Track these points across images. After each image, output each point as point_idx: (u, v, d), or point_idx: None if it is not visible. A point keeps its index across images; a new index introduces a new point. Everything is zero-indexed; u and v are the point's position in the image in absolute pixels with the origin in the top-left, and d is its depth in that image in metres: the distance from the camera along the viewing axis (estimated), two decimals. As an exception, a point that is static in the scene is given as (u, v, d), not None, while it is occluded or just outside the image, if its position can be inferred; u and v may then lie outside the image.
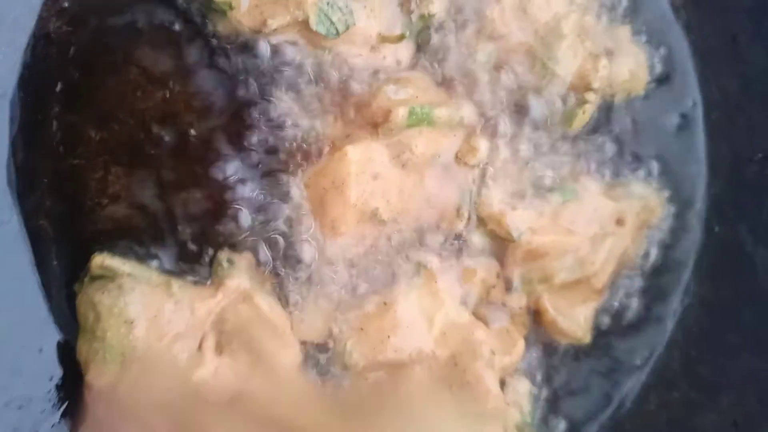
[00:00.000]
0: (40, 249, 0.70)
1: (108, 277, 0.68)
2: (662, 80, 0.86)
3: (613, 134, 0.84)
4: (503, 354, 0.77)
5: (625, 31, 0.84)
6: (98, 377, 0.66)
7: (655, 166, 0.86)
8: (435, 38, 0.78)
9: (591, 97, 0.79)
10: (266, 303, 0.71)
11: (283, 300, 0.74)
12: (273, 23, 0.70)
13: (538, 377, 0.83)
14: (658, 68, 0.86)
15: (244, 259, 0.73)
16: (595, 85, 0.78)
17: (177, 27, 0.72)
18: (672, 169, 0.87)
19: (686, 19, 0.88)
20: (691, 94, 0.88)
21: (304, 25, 0.72)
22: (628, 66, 0.83)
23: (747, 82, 0.87)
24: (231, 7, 0.70)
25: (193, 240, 0.72)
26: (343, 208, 0.73)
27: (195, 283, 0.71)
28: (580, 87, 0.79)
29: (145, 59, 0.72)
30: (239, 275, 0.72)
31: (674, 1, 0.88)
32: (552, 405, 0.83)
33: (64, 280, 0.70)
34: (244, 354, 0.70)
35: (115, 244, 0.71)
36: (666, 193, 0.86)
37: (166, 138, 0.73)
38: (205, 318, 0.69)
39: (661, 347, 0.87)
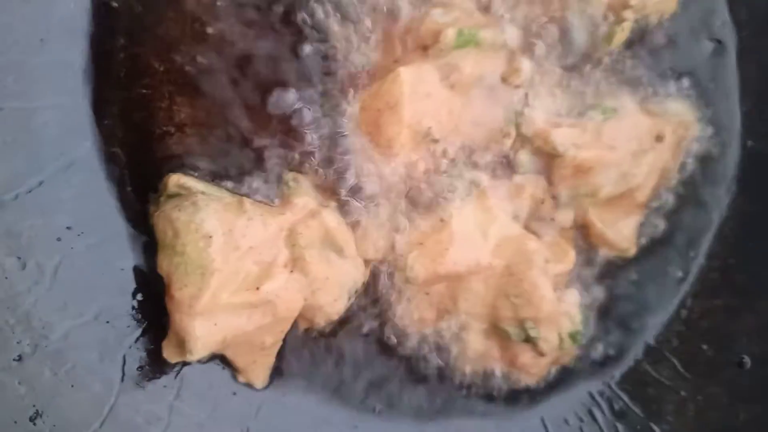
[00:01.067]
0: (115, 174, 0.73)
1: (183, 195, 0.72)
2: (693, 2, 0.89)
3: (649, 53, 0.87)
4: (556, 263, 0.81)
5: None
6: (180, 289, 0.69)
7: (689, 83, 0.89)
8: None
9: (629, 14, 0.82)
10: (334, 219, 0.75)
11: (347, 219, 0.77)
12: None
13: (587, 289, 0.87)
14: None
15: (308, 179, 0.77)
16: (632, 2, 0.81)
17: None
18: (706, 86, 0.90)
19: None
20: (721, 15, 0.91)
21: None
22: (661, -14, 0.86)
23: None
24: None
25: (259, 162, 0.75)
26: (398, 127, 0.76)
27: (266, 202, 0.75)
28: (618, 6, 0.82)
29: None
30: (306, 194, 0.75)
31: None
32: (602, 315, 0.87)
33: (138, 203, 0.74)
34: (314, 270, 0.73)
35: (185, 167, 0.74)
36: (701, 110, 0.89)
37: (226, 67, 0.76)
38: (277, 233, 0.73)
39: (702, 257, 0.91)
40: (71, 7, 0.72)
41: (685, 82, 0.89)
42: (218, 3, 0.76)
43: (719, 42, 0.91)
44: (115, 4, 0.73)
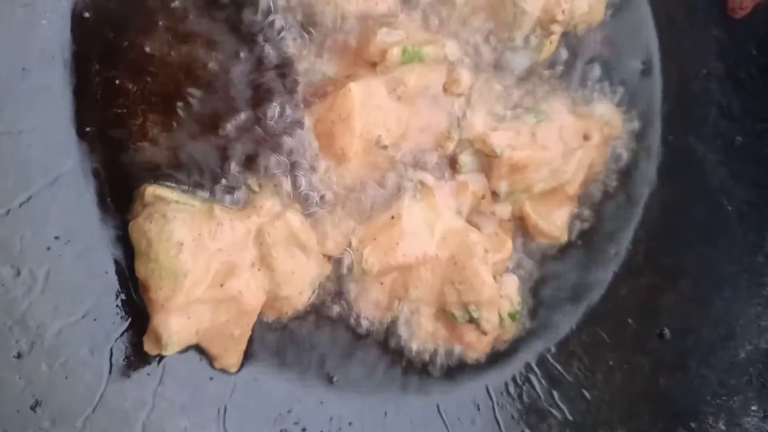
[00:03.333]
0: (96, 188, 0.81)
1: (155, 206, 0.80)
2: (617, 11, 0.99)
3: (577, 61, 0.97)
4: (495, 252, 0.91)
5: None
6: (156, 291, 0.78)
7: (615, 86, 0.99)
8: (419, -15, 0.89)
9: (556, 28, 0.91)
10: (297, 220, 0.84)
11: (309, 219, 0.86)
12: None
13: (524, 274, 0.97)
14: (613, 0, 0.98)
15: (271, 184, 0.85)
16: (559, 18, 0.90)
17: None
18: (631, 88, 1.00)
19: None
20: (644, 21, 1.01)
21: (307, -22, 0.83)
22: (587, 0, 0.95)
23: (690, 8, 0.99)
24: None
25: (227, 170, 0.84)
26: (350, 137, 0.85)
27: (233, 207, 0.83)
28: (547, 20, 0.91)
29: (169, 19, 0.83)
30: (271, 198, 0.84)
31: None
32: (537, 296, 0.98)
33: (118, 213, 0.82)
34: (280, 266, 0.82)
35: (159, 178, 0.82)
36: (626, 110, 0.99)
37: (192, 85, 0.84)
38: (246, 235, 0.81)
39: (628, 242, 1.02)
40: (49, 36, 0.79)
41: (612, 85, 0.99)
42: (183, 27, 0.83)
43: (643, 46, 1.01)
44: (86, 15, 0.80)
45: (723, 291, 0.95)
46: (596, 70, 0.98)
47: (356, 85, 0.84)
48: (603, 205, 0.99)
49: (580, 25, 0.96)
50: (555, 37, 0.92)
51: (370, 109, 0.85)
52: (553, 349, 0.98)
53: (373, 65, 0.86)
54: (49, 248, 0.77)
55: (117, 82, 0.82)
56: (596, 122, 0.97)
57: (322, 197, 0.87)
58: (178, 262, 0.77)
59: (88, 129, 0.81)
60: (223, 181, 0.84)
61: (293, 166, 0.86)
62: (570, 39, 0.96)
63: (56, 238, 0.78)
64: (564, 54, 0.96)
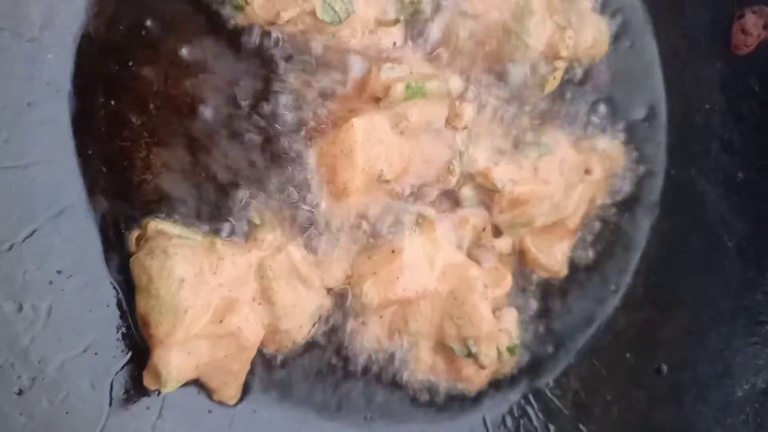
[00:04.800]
0: (99, 221, 0.81)
1: (156, 241, 0.80)
2: (622, 44, 0.99)
3: (581, 95, 0.97)
4: (494, 287, 0.91)
5: (586, 3, 0.96)
6: (156, 327, 0.79)
7: (618, 120, 0.99)
8: (423, 20, 0.89)
9: (560, 64, 0.91)
10: (298, 253, 0.84)
11: (310, 253, 0.86)
12: (285, 15, 0.81)
13: (525, 306, 0.98)
14: (618, 34, 0.98)
15: (273, 218, 0.86)
16: (563, 53, 0.90)
17: (201, 22, 0.83)
18: (634, 122, 1.00)
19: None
20: (648, 55, 1.01)
21: (311, 14, 0.83)
22: (591, 34, 0.95)
23: (694, 41, 1.00)
24: (247, 3, 0.81)
25: (229, 204, 0.84)
26: (352, 171, 0.85)
27: (235, 240, 0.84)
28: (550, 56, 0.91)
29: (174, 51, 0.83)
30: (273, 231, 0.85)
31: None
32: (537, 329, 0.98)
33: (121, 246, 0.82)
34: (281, 299, 0.83)
35: (162, 211, 0.83)
36: (629, 142, 1.00)
37: (197, 120, 0.84)
38: (247, 269, 0.82)
39: (628, 276, 1.02)
40: (55, 70, 0.79)
41: (614, 119, 0.99)
42: (187, 60, 0.84)
43: (647, 81, 1.01)
44: (91, 48, 0.80)
45: (720, 327, 0.96)
46: (599, 104, 0.98)
47: (359, 120, 0.85)
48: (603, 238, 1.00)
49: (584, 59, 0.96)
50: (559, 73, 0.92)
51: (373, 143, 0.85)
52: (550, 383, 0.99)
53: (377, 100, 0.86)
54: (51, 282, 0.78)
55: (121, 115, 0.82)
56: (598, 156, 0.97)
57: (323, 231, 0.88)
58: (179, 298, 0.78)
59: (92, 162, 0.81)
60: (225, 214, 0.85)
61: (296, 200, 0.87)
62: (574, 72, 0.96)
63: (59, 272, 0.78)
64: (567, 88, 0.96)
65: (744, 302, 0.96)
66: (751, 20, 0.94)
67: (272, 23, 0.83)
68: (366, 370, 0.91)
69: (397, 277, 0.88)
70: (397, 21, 0.87)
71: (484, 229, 0.94)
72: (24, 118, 0.77)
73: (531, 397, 0.98)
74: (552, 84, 0.93)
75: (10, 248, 0.75)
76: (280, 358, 0.88)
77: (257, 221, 0.85)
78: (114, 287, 0.81)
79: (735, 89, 0.98)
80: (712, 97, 0.99)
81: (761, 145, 0.98)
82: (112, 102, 0.82)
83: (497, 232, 0.95)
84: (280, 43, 0.85)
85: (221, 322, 0.80)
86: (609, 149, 0.98)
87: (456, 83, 0.90)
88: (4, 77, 0.76)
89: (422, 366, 0.93)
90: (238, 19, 0.83)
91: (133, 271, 0.80)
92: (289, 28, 0.84)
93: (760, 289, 0.95)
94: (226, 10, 0.83)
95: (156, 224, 0.81)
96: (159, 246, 0.79)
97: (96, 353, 0.79)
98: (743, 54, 0.95)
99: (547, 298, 0.98)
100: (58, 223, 0.79)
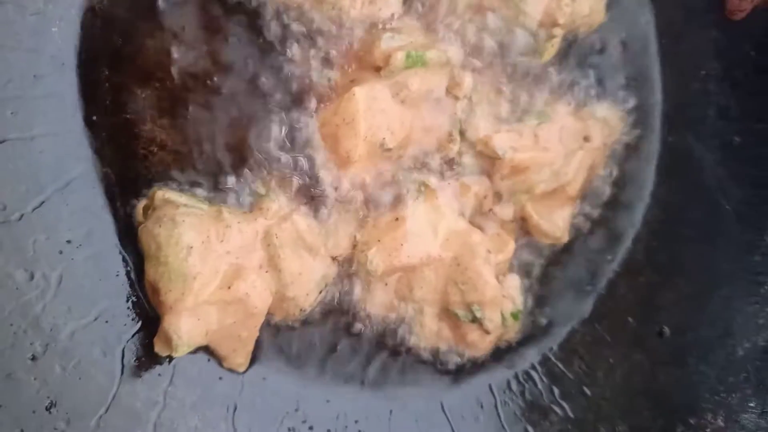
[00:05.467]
0: (107, 191, 0.82)
1: (164, 210, 0.82)
2: (617, 13, 1.00)
3: (579, 62, 0.98)
4: (497, 253, 0.92)
5: (584, -28, 0.97)
6: (166, 294, 0.80)
7: (616, 88, 1.01)
8: (422, -12, 0.91)
9: (557, 31, 0.92)
10: (304, 222, 0.85)
11: (315, 221, 0.88)
12: (289, -12, 0.83)
13: (527, 273, 0.99)
14: (613, 2, 1.00)
15: (278, 187, 0.87)
16: (561, 21, 0.91)
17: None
18: (632, 90, 1.01)
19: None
20: (643, 24, 1.02)
21: (314, -13, 0.84)
22: (588, 3, 0.96)
23: (689, 10, 1.01)
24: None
25: (235, 173, 0.85)
26: (354, 140, 0.86)
27: (241, 209, 0.85)
28: (548, 23, 0.92)
29: (176, 24, 0.84)
30: (278, 200, 0.86)
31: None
32: (539, 296, 1.00)
33: (128, 216, 0.84)
34: (287, 267, 0.84)
35: (169, 181, 0.84)
36: (627, 112, 1.01)
37: (200, 91, 0.85)
38: (253, 237, 0.83)
39: (628, 241, 1.03)
40: (59, 43, 0.80)
41: (612, 87, 1.00)
42: (189, 33, 0.85)
43: (644, 50, 1.02)
44: (96, 22, 0.81)
45: (721, 289, 0.97)
46: (597, 72, 0.99)
47: (361, 89, 0.86)
48: (603, 205, 1.01)
49: (582, 28, 0.97)
50: (556, 40, 0.93)
51: (375, 112, 0.87)
52: (554, 348, 1.00)
53: (377, 70, 0.88)
54: (61, 252, 0.79)
55: (126, 87, 0.83)
56: (597, 124, 0.98)
57: (328, 199, 0.89)
58: (187, 265, 0.79)
59: (98, 134, 0.82)
60: (231, 183, 0.86)
61: (300, 169, 0.88)
62: (571, 41, 0.97)
63: (68, 242, 0.79)
64: (565, 56, 0.97)
65: (743, 264, 0.97)
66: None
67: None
68: (372, 336, 0.93)
69: (402, 245, 0.90)
70: (396, -6, 0.89)
71: (485, 197, 0.95)
72: (30, 91, 0.78)
73: (536, 362, 0.99)
74: (550, 51, 0.94)
75: (20, 218, 0.76)
76: (287, 325, 0.89)
77: (262, 191, 0.87)
78: (123, 256, 0.82)
79: (730, 56, 0.99)
80: (708, 64, 1.01)
81: (757, 110, 0.99)
82: (117, 75, 0.83)
83: (499, 199, 0.96)
84: (282, 15, 0.86)
85: (229, 288, 0.81)
86: (607, 117, 0.99)
87: (455, 52, 0.91)
88: (8, 50, 0.77)
89: (428, 332, 0.94)
90: (242, -8, 0.84)
91: (142, 240, 0.81)
92: (291, 0, 0.85)
93: (759, 251, 0.96)
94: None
95: (163, 193, 0.82)
96: (167, 214, 0.80)
97: (107, 321, 0.80)
98: (738, 19, 0.97)
99: (549, 265, 0.99)
100: (66, 195, 0.80)
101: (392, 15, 0.90)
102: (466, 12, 0.91)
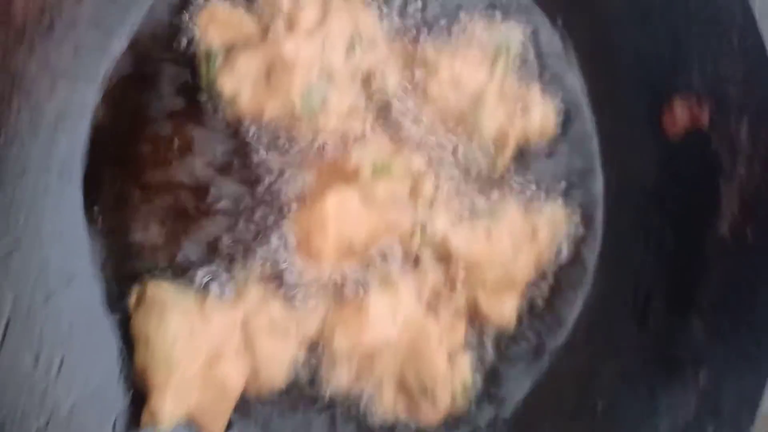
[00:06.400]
0: (103, 285, 0.95)
1: (152, 303, 0.94)
2: (565, 125, 1.12)
3: (529, 170, 1.10)
4: (449, 337, 1.04)
5: (535, 89, 1.09)
6: (152, 377, 0.92)
7: (563, 191, 1.12)
8: (390, 106, 1.02)
9: (508, 149, 1.05)
10: (278, 309, 0.97)
11: (288, 307, 1.00)
12: (268, 111, 0.95)
13: (478, 352, 1.11)
14: (562, 113, 1.12)
15: (257, 278, 0.99)
16: (511, 141, 1.03)
17: (191, 112, 0.96)
18: (577, 192, 1.13)
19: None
20: (589, 134, 1.14)
21: (291, 108, 0.96)
22: (539, 118, 1.08)
23: (633, 126, 1.12)
24: (236, 100, 0.94)
25: (220, 267, 0.98)
26: (325, 243, 0.98)
27: (223, 297, 0.97)
28: (501, 139, 1.05)
29: (168, 135, 0.96)
30: (256, 289, 0.98)
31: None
32: (489, 371, 1.12)
33: (122, 303, 0.96)
34: (259, 352, 0.97)
35: (158, 275, 0.96)
36: (571, 210, 1.13)
37: (185, 193, 0.97)
38: (233, 324, 0.95)
39: (569, 324, 1.15)
40: (67, 155, 0.92)
41: (559, 187, 1.12)
42: (177, 144, 0.97)
43: (588, 157, 1.14)
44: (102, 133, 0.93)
45: (647, 373, 1.09)
46: (546, 176, 1.11)
47: (332, 197, 0.98)
48: (549, 294, 1.13)
49: (533, 139, 1.09)
50: (508, 155, 1.05)
51: (344, 218, 0.99)
52: (503, 416, 1.11)
53: (347, 179, 1.00)
54: (63, 338, 0.91)
55: (123, 191, 0.95)
56: (544, 221, 1.10)
57: (300, 288, 1.01)
58: (173, 353, 0.91)
59: (98, 236, 0.94)
60: (215, 276, 0.98)
61: (275, 262, 1.00)
62: (522, 148, 1.09)
63: (70, 328, 0.91)
64: (517, 165, 1.09)
65: (668, 352, 1.09)
66: (678, 107, 1.06)
67: (257, 117, 0.96)
68: (336, 407, 1.05)
69: (364, 329, 1.02)
70: (365, 109, 1.00)
71: (442, 286, 1.07)
72: (40, 201, 0.90)
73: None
74: (501, 163, 1.06)
75: (29, 310, 0.89)
76: (259, 400, 1.01)
77: (242, 282, 0.99)
78: (117, 341, 0.95)
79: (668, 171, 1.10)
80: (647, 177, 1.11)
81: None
82: (118, 181, 0.95)
83: (453, 288, 1.08)
84: (261, 129, 0.98)
85: (209, 370, 0.94)
86: (553, 215, 1.11)
87: (419, 162, 1.03)
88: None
89: (386, 405, 1.06)
90: (227, 112, 0.96)
91: (133, 330, 0.94)
92: (271, 120, 0.97)
93: (681, 340, 1.08)
94: (214, 104, 0.96)
95: (153, 287, 0.95)
96: (155, 307, 0.93)
97: (101, 397, 0.92)
98: (673, 138, 1.08)
99: (498, 344, 1.11)
100: (69, 289, 0.92)
101: (362, 128, 1.02)
102: (429, 128, 1.03)
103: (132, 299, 0.96)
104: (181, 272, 0.97)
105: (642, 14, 1.07)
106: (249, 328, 0.97)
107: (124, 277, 0.95)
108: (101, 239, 0.94)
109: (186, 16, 1.00)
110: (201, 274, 0.98)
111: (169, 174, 0.96)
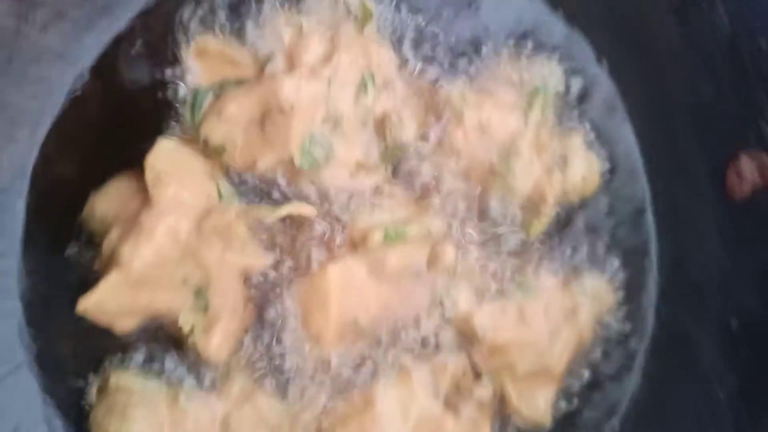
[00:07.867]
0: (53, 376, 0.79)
1: (115, 398, 0.77)
2: (613, 182, 0.96)
3: (569, 235, 0.94)
4: (471, 440, 0.87)
5: (577, 138, 0.93)
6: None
7: (608, 261, 0.96)
8: (407, 161, 0.87)
9: (546, 209, 0.88)
10: (267, 403, 0.81)
11: (281, 397, 0.83)
12: (262, 163, 0.79)
13: (505, 455, 0.93)
14: (609, 170, 0.95)
15: (243, 364, 0.83)
16: (550, 199, 0.87)
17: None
18: (625, 263, 0.96)
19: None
20: (639, 194, 0.98)
21: (289, 161, 0.80)
22: (582, 171, 0.91)
23: (691, 185, 0.96)
24: (224, 150, 0.79)
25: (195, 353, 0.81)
26: (326, 321, 0.82)
27: (203, 388, 0.81)
28: (537, 198, 0.88)
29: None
30: (241, 378, 0.81)
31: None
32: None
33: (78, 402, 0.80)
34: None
35: (125, 361, 0.80)
36: (616, 286, 0.96)
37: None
38: (211, 423, 0.79)
39: (615, 420, 0.97)
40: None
41: (604, 259, 0.95)
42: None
43: (639, 219, 0.98)
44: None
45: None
46: (587, 244, 0.94)
47: (334, 268, 0.82)
48: (590, 387, 0.95)
49: (574, 198, 0.93)
50: (545, 218, 0.89)
51: (349, 292, 0.83)
52: None
53: (354, 246, 0.83)
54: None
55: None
56: (585, 298, 0.93)
57: (294, 377, 0.84)
58: (136, 457, 0.75)
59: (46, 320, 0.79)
60: (191, 361, 0.81)
61: (267, 344, 0.83)
62: (563, 210, 0.93)
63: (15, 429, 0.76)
64: (555, 228, 0.92)
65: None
66: (746, 163, 0.91)
67: (249, 170, 0.80)
68: None
69: (370, 429, 0.84)
70: (378, 164, 0.85)
71: (463, 375, 0.90)
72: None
73: None
74: (537, 228, 0.90)
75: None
76: None
77: (223, 370, 0.82)
78: (74, 436, 0.79)
79: (731, 235, 0.94)
80: (708, 242, 0.95)
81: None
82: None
83: (477, 378, 0.90)
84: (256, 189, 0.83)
85: (179, 479, 0.76)
86: (597, 290, 0.94)
87: (438, 225, 0.87)
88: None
89: None
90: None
91: (92, 428, 0.77)
92: (266, 174, 0.82)
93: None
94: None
95: (117, 378, 0.79)
96: (118, 405, 0.77)
97: None
98: (738, 199, 0.92)
99: (530, 448, 0.93)
100: (13, 380, 0.77)
101: (374, 186, 0.86)
102: (452, 185, 0.87)
103: (93, 389, 0.80)
104: (149, 358, 0.80)
105: (704, 59, 0.91)
106: (231, 425, 0.79)
107: (84, 361, 0.80)
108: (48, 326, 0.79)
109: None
110: (175, 361, 0.81)
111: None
